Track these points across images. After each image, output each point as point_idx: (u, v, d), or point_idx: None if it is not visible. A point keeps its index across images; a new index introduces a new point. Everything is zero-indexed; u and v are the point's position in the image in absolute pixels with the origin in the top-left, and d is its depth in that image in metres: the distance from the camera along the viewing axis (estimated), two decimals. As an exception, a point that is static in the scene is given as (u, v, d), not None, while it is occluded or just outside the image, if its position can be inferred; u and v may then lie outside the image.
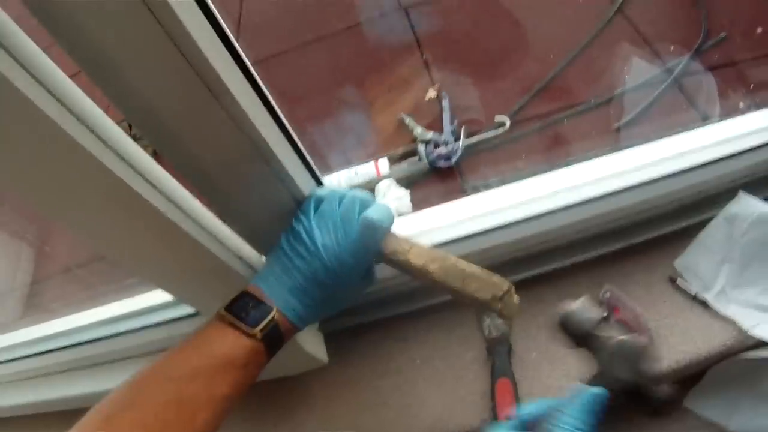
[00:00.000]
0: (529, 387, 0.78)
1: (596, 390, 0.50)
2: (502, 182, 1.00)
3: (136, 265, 0.63)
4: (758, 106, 0.94)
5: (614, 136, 1.22)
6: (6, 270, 1.56)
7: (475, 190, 1.19)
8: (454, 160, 1.23)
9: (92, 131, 0.45)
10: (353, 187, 1.26)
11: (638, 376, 0.74)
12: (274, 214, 0.62)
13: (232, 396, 0.51)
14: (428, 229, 0.85)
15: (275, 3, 2.04)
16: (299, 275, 0.56)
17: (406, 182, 1.26)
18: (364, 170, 1.27)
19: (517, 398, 0.76)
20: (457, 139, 1.26)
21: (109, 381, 0.93)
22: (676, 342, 0.79)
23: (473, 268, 0.58)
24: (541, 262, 0.87)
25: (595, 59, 1.40)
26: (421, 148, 1.26)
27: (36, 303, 1.45)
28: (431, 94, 1.41)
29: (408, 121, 1.35)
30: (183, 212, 0.56)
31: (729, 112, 1.21)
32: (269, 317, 0.53)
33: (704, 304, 0.81)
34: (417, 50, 1.57)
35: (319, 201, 0.60)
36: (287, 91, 1.68)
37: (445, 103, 1.35)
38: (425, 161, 1.25)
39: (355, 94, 1.53)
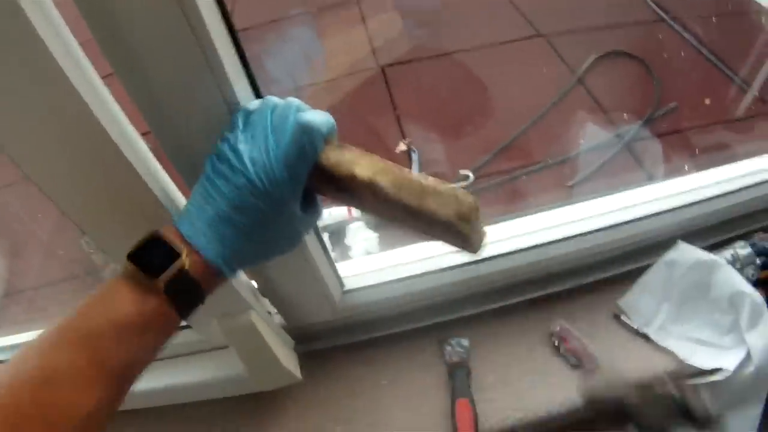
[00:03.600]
0: (485, 407, 0.83)
1: None
2: None
3: (63, 192, 0.55)
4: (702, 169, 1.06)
5: (568, 193, 1.32)
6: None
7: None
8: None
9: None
10: (325, 227, 1.32)
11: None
12: (204, 128, 0.52)
13: (125, 373, 0.42)
14: (391, 265, 0.92)
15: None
16: (222, 200, 0.44)
17: (375, 226, 1.33)
18: (337, 212, 1.33)
19: (475, 416, 0.81)
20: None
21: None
22: (619, 369, 0.85)
23: (431, 181, 0.48)
24: (494, 299, 0.95)
25: (554, 123, 1.53)
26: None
27: (7, 316, 1.45)
28: (402, 146, 1.50)
29: (379, 170, 1.43)
30: (121, 132, 0.50)
31: (675, 174, 1.33)
32: (177, 262, 0.42)
33: (646, 338, 0.89)
34: (390, 106, 1.68)
35: (248, 114, 0.48)
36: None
37: (415, 156, 1.44)
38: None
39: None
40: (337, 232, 1.34)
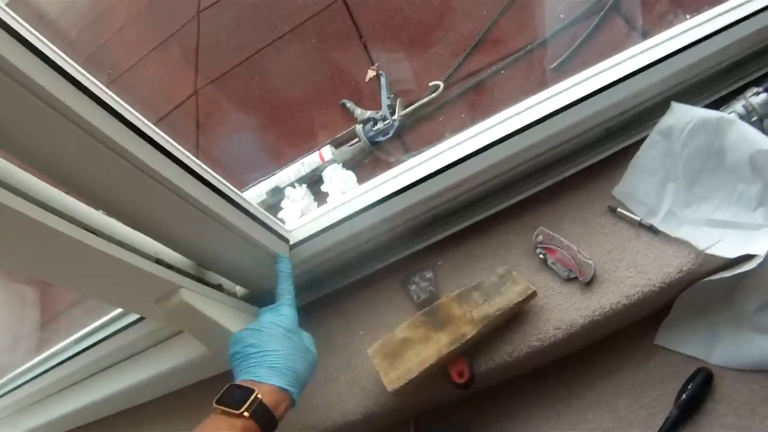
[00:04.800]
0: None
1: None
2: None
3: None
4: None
5: (551, 77, 1.17)
6: (13, 317, 1.61)
7: (419, 157, 1.16)
8: (391, 133, 1.21)
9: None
10: (300, 177, 1.26)
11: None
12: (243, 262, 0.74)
13: None
14: (335, 205, 0.84)
15: (226, 21, 2.06)
16: (274, 357, 0.63)
17: (352, 164, 1.24)
18: (310, 160, 1.25)
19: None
20: (393, 113, 1.23)
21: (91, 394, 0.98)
22: (624, 276, 0.71)
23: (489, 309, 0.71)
24: (471, 212, 0.83)
25: (526, 4, 1.36)
26: (359, 128, 1.24)
27: (50, 340, 1.48)
28: (370, 74, 1.38)
29: (349, 105, 1.33)
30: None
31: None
32: (252, 396, 0.58)
33: (652, 230, 0.73)
34: (356, 35, 1.55)
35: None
36: (242, 98, 1.70)
37: (382, 80, 1.32)
38: (364, 140, 1.23)
39: (302, 93, 1.52)
40: (314, 180, 1.26)
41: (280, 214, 1.21)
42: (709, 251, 0.68)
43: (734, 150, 0.70)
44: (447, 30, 1.38)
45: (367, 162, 1.25)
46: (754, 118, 0.73)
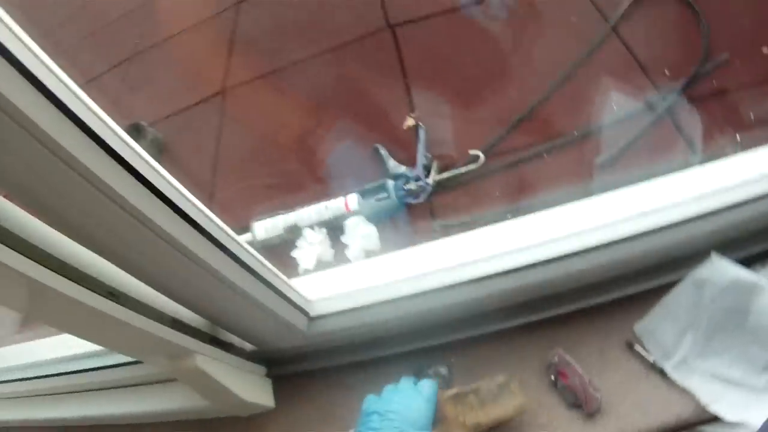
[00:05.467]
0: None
1: None
2: (472, 223, 0.96)
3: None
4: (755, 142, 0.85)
5: (592, 175, 1.15)
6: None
7: (445, 230, 1.14)
8: (422, 198, 1.18)
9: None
10: (322, 221, 1.23)
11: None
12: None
13: None
14: (362, 288, 0.83)
15: (266, 20, 2.02)
16: None
17: (376, 219, 1.22)
18: (335, 205, 1.23)
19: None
20: (428, 175, 1.21)
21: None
22: (626, 411, 0.73)
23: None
24: (495, 320, 0.82)
25: (582, 86, 1.34)
26: (390, 184, 1.21)
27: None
28: (409, 122, 1.36)
29: (382, 152, 1.31)
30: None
31: (723, 150, 1.13)
32: None
33: (662, 373, 0.74)
34: (400, 73, 1.52)
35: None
36: (270, 110, 1.66)
37: (422, 134, 1.30)
38: (394, 198, 1.20)
39: (333, 121, 1.49)
40: (335, 227, 1.23)
41: (294, 253, 1.19)
42: (710, 408, 0.70)
43: (758, 315, 0.72)
44: (497, 94, 1.36)
45: (390, 220, 1.22)
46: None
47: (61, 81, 0.41)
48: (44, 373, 0.96)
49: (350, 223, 1.17)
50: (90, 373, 0.91)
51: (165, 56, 2.21)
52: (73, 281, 0.53)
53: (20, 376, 1.00)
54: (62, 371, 0.93)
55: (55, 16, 2.67)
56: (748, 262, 0.76)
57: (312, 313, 0.81)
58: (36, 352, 0.98)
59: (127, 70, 2.28)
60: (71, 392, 0.98)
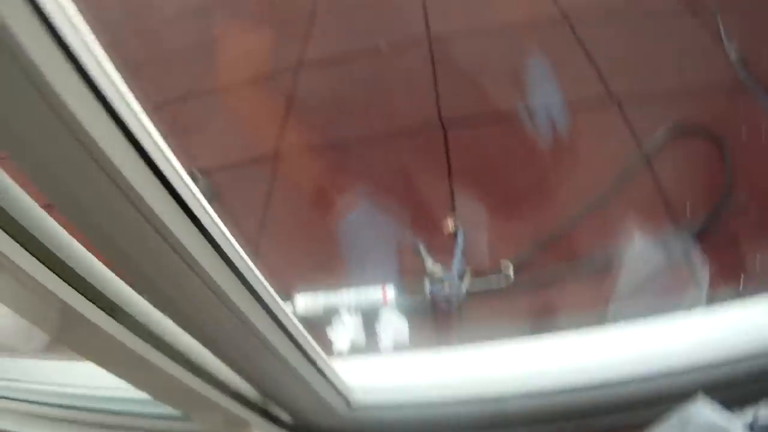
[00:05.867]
0: None
1: None
2: (497, 335, 1.06)
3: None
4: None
5: (610, 304, 1.27)
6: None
7: (469, 339, 1.25)
8: (454, 303, 1.30)
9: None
10: (359, 307, 1.34)
11: None
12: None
13: None
14: (406, 386, 0.92)
15: (323, 88, 2.12)
16: None
17: (408, 313, 1.34)
18: (373, 296, 1.35)
19: None
20: (461, 280, 1.33)
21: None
22: None
23: None
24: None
25: (610, 215, 1.46)
26: (427, 284, 1.34)
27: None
28: (449, 226, 1.48)
29: (422, 250, 1.43)
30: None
31: (729, 290, 1.24)
32: None
33: None
34: (446, 171, 1.64)
35: None
36: (319, 183, 1.77)
37: (459, 240, 1.43)
38: (428, 298, 1.32)
39: (378, 206, 1.60)
40: (370, 314, 1.35)
41: (330, 334, 1.30)
42: None
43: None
44: (538, 208, 1.47)
45: (421, 318, 1.34)
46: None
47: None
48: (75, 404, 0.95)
49: (385, 314, 1.29)
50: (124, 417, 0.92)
51: (220, 103, 2.28)
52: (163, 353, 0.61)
53: (48, 401, 0.98)
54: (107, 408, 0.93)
55: (113, 36, 2.76)
56: (734, 404, 0.81)
57: (351, 400, 0.88)
58: (69, 374, 0.97)
59: (180, 109, 2.30)
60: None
